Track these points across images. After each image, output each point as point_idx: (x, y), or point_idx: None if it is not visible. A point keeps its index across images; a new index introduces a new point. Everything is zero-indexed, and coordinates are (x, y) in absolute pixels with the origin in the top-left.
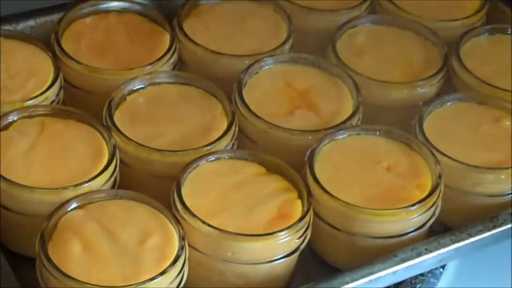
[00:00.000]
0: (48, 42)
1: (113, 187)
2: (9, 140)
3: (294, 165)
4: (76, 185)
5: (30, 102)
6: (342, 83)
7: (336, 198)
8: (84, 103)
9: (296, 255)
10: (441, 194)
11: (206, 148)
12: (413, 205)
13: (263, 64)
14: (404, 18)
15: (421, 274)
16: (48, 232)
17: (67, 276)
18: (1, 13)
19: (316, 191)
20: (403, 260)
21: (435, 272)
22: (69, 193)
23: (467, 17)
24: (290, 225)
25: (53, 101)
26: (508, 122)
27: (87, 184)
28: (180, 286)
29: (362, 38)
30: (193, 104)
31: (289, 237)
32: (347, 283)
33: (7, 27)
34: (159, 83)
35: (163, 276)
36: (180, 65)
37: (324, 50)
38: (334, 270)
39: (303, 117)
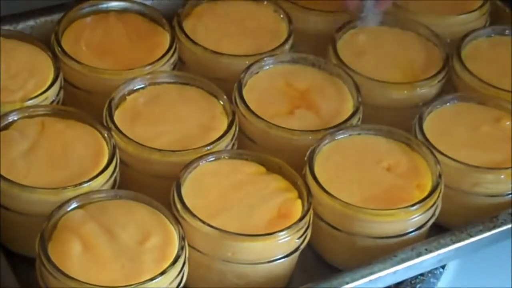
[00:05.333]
0: (48, 42)
1: (113, 187)
2: (9, 140)
3: (294, 165)
4: (76, 185)
5: (30, 102)
6: (342, 83)
7: (336, 198)
8: (84, 103)
9: (296, 255)
10: (441, 194)
11: (206, 148)
12: (413, 205)
13: (263, 64)
14: (405, 19)
15: (421, 274)
16: (48, 232)
17: (67, 276)
18: (1, 13)
19: (316, 191)
20: (403, 260)
21: (435, 272)
22: (69, 193)
23: (469, 12)
24: (290, 225)
25: (53, 101)
26: (508, 122)
27: (87, 184)
28: (180, 286)
29: (363, 38)
30: (193, 104)
31: (289, 237)
32: (347, 283)
33: (7, 27)
34: (159, 83)
35: (163, 276)
36: (180, 65)
37: (324, 51)
38: (334, 270)
39: (303, 117)
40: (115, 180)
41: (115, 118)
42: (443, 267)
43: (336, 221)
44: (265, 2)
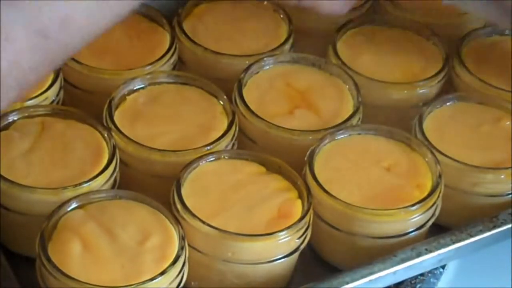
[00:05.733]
0: None
1: (113, 187)
2: (9, 140)
3: (294, 165)
4: (76, 185)
5: (30, 102)
6: (342, 83)
7: (336, 198)
8: (84, 103)
9: (296, 255)
10: (441, 194)
11: (206, 148)
12: (413, 205)
13: (263, 64)
14: (405, 19)
15: (421, 274)
16: (48, 232)
17: (67, 276)
18: None
19: (316, 191)
20: (403, 260)
21: (435, 272)
22: (69, 193)
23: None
24: (290, 225)
25: (53, 101)
26: (508, 122)
27: (87, 184)
28: (180, 286)
29: (363, 38)
30: (193, 104)
31: (289, 237)
32: (347, 283)
33: None
34: (159, 83)
35: (163, 276)
36: (180, 65)
37: (324, 50)
38: (334, 270)
39: (303, 117)
40: (115, 180)
41: (115, 118)
42: (443, 267)
43: (336, 221)
44: (265, 2)
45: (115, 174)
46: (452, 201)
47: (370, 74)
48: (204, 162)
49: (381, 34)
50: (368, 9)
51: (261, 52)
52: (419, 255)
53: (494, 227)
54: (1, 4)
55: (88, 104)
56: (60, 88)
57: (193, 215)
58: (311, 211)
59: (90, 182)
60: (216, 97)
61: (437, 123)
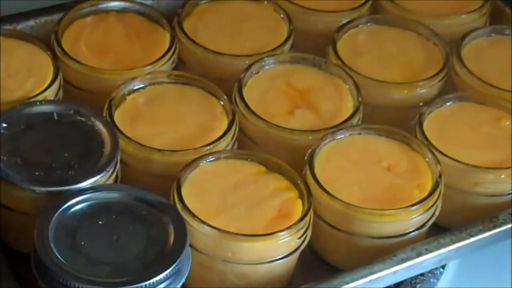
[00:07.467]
0: (48, 42)
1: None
2: None
3: (294, 165)
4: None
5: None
6: (342, 83)
7: (336, 198)
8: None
9: (296, 255)
10: (441, 194)
11: (206, 148)
12: (413, 205)
13: (263, 64)
14: (406, 19)
15: (421, 274)
16: None
17: None
18: (1, 13)
19: (316, 191)
20: (403, 260)
21: (435, 272)
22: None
23: (469, 12)
24: (290, 225)
25: None
26: (508, 122)
27: (89, 181)
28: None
29: (363, 38)
30: (193, 104)
31: (290, 237)
32: (347, 283)
33: (7, 27)
34: (159, 83)
35: None
36: (180, 65)
37: (324, 51)
38: (334, 270)
39: (303, 117)
40: (116, 177)
41: (115, 118)
42: (443, 267)
43: (336, 221)
44: (265, 2)
45: (116, 171)
46: (452, 201)
47: (370, 74)
48: (204, 162)
49: (381, 34)
50: (368, 9)
51: (261, 52)
52: (419, 255)
53: (494, 227)
54: None
55: (88, 104)
56: (59, 87)
57: (193, 215)
58: (311, 211)
59: (93, 179)
60: (216, 97)
61: (437, 123)
